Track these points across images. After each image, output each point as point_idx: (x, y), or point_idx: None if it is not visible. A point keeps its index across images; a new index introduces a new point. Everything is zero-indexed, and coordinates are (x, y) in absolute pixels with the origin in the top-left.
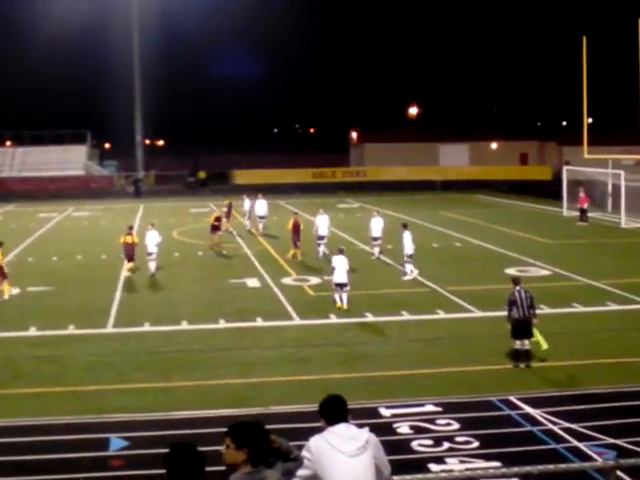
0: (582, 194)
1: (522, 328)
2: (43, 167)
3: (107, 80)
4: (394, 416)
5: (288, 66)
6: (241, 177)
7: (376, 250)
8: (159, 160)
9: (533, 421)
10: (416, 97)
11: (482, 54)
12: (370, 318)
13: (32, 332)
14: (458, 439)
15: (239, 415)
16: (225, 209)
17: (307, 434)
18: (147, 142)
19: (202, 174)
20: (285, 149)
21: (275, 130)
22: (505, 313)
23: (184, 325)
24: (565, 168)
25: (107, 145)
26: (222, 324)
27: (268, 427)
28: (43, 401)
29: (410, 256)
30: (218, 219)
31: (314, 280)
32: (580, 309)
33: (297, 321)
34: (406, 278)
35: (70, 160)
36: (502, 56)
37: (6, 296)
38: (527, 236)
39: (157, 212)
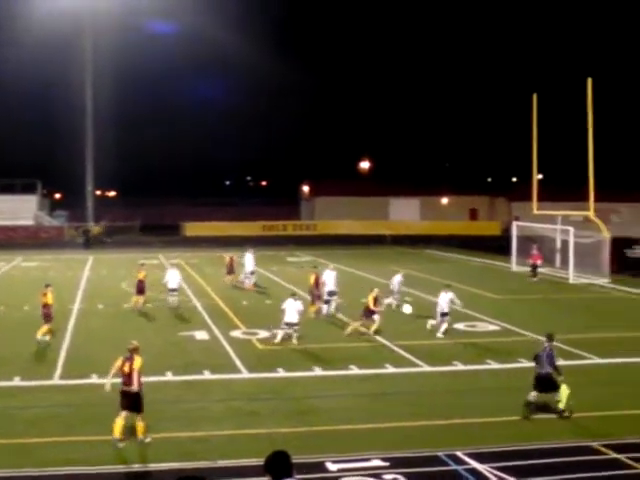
0: (535, 251)
1: (540, 382)
2: None
3: (59, 130)
4: (341, 471)
5: (240, 120)
6: (191, 229)
7: (332, 305)
8: (110, 210)
9: (480, 476)
10: (368, 151)
11: (434, 110)
12: (318, 372)
13: None
14: None
15: (185, 469)
16: (227, 261)
17: None
18: (98, 193)
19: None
20: (236, 201)
21: (227, 182)
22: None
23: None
24: (514, 223)
25: (58, 195)
26: (169, 376)
27: None
28: None
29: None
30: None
31: (263, 334)
32: (526, 364)
33: (245, 374)
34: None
35: (20, 210)
36: (454, 112)
37: None
38: (476, 291)
39: (106, 263)
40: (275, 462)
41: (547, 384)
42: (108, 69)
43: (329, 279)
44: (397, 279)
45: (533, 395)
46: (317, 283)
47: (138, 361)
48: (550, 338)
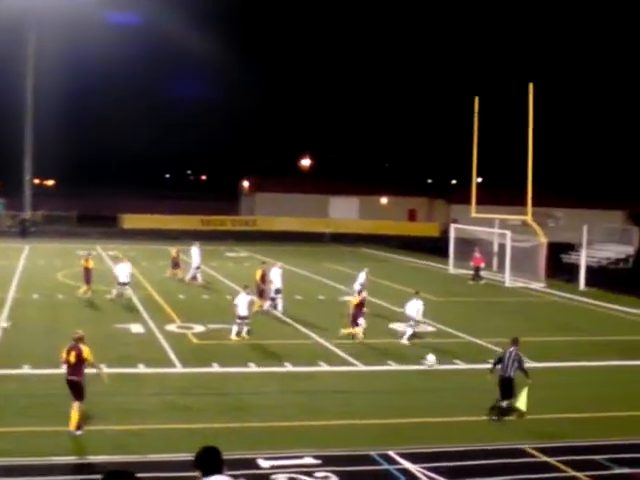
0: (477, 254)
1: (502, 387)
2: None
3: None
4: (272, 467)
5: (182, 113)
6: (130, 221)
7: (280, 303)
8: (48, 200)
9: (411, 476)
10: (309, 149)
11: (376, 110)
12: (253, 368)
13: None
14: None
15: (117, 462)
16: (174, 255)
17: None
18: (37, 182)
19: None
20: (176, 195)
21: (167, 175)
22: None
23: (65, 369)
24: (452, 226)
25: None
26: (104, 369)
27: (147, 476)
28: None
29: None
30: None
31: (198, 328)
32: (462, 366)
33: (180, 369)
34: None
35: None
36: (395, 113)
37: None
38: (412, 292)
39: (43, 253)
40: (205, 458)
41: (508, 389)
42: (52, 59)
43: (275, 277)
44: (362, 277)
45: (506, 403)
46: (263, 279)
47: (86, 350)
48: (515, 342)
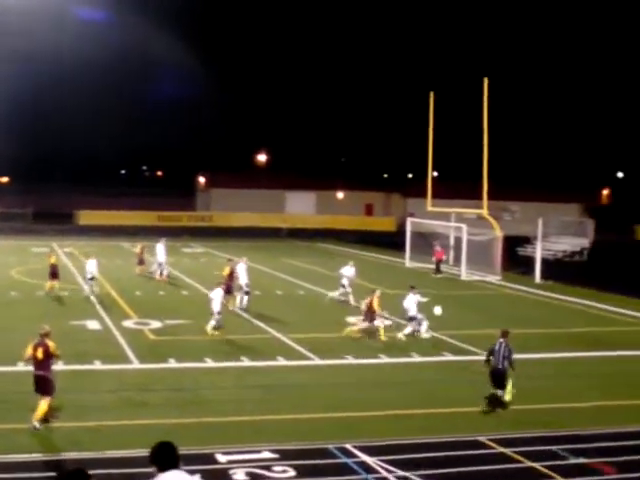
0: (438, 247)
1: (494, 378)
2: None
3: None
4: (230, 462)
5: (137, 109)
6: (86, 218)
7: (245, 298)
8: (2, 197)
9: (369, 469)
10: (265, 144)
11: (332, 104)
12: (210, 364)
13: None
14: None
15: (73, 459)
16: (138, 251)
17: None
18: None
19: None
20: (132, 191)
21: (122, 172)
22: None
23: (20, 366)
24: (409, 220)
25: None
26: (60, 366)
27: (103, 472)
28: None
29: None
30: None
31: (155, 324)
32: (418, 359)
33: (136, 365)
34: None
35: None
36: (351, 107)
37: None
38: (370, 286)
39: None
40: (160, 453)
41: (500, 380)
42: (4, 53)
43: (242, 272)
44: (347, 271)
45: (500, 393)
46: (231, 276)
47: (52, 345)
48: (505, 334)
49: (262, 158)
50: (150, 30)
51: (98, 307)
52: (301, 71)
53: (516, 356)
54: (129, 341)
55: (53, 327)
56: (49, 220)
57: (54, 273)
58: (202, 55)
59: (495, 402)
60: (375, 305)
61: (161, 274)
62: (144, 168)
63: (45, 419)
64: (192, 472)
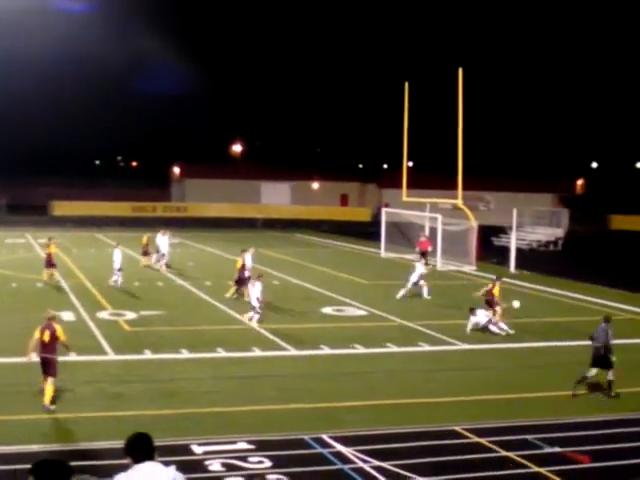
0: (423, 238)
1: (598, 360)
2: None
3: None
4: (206, 453)
5: (111, 99)
6: (60, 208)
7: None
8: None
9: (344, 459)
10: (240, 134)
11: (307, 95)
12: (185, 354)
13: None
14: (270, 477)
15: (48, 451)
16: (144, 242)
17: (117, 471)
18: None
19: None
20: (107, 182)
21: (97, 162)
22: None
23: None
24: (384, 210)
25: None
26: (34, 358)
27: (78, 464)
28: None
29: None
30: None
31: (130, 315)
32: (394, 349)
33: (112, 356)
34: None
35: None
36: (326, 97)
37: None
38: (345, 276)
39: None
40: (135, 444)
41: (604, 361)
42: None
43: (247, 262)
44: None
45: (593, 372)
46: (244, 267)
47: (59, 329)
48: (607, 319)
49: (237, 148)
50: (126, 23)
51: (73, 298)
52: (276, 61)
53: (488, 346)
54: (104, 332)
55: (27, 318)
56: (24, 211)
57: (50, 262)
58: (177, 47)
59: (591, 384)
60: (496, 293)
61: (166, 265)
62: (119, 159)
63: (52, 401)
64: (167, 463)
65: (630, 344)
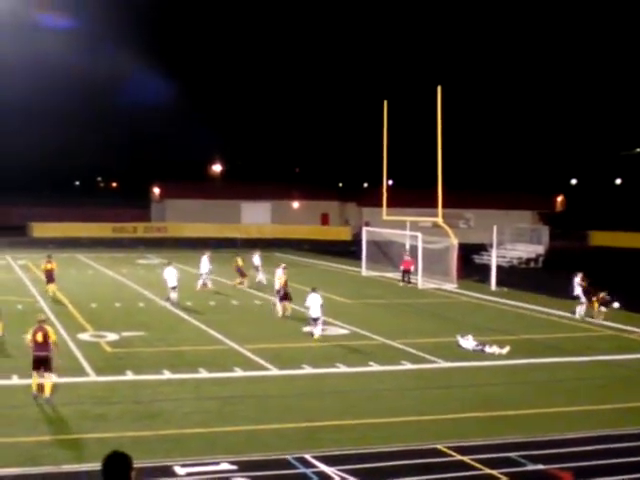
0: (407, 257)
1: None
2: None
3: None
4: (189, 475)
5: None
6: (39, 230)
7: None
8: None
9: (327, 479)
10: (220, 154)
11: (286, 114)
12: (167, 375)
13: None
14: None
15: (29, 474)
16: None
17: None
18: None
19: None
20: (86, 202)
21: (77, 183)
22: None
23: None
24: (364, 229)
25: None
26: (15, 380)
27: None
28: None
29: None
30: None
31: (111, 336)
32: (376, 368)
33: (93, 377)
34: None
35: None
36: (305, 117)
37: None
38: (327, 295)
39: None
40: (110, 465)
41: None
42: None
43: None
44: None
45: None
46: (286, 283)
47: (50, 330)
48: None
49: (217, 168)
50: (105, 40)
51: (54, 319)
52: (255, 81)
53: (470, 364)
54: (85, 354)
55: (7, 339)
56: (3, 232)
57: (50, 277)
58: (157, 65)
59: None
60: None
61: (205, 284)
62: (99, 179)
63: (38, 392)
64: None
65: (613, 360)
